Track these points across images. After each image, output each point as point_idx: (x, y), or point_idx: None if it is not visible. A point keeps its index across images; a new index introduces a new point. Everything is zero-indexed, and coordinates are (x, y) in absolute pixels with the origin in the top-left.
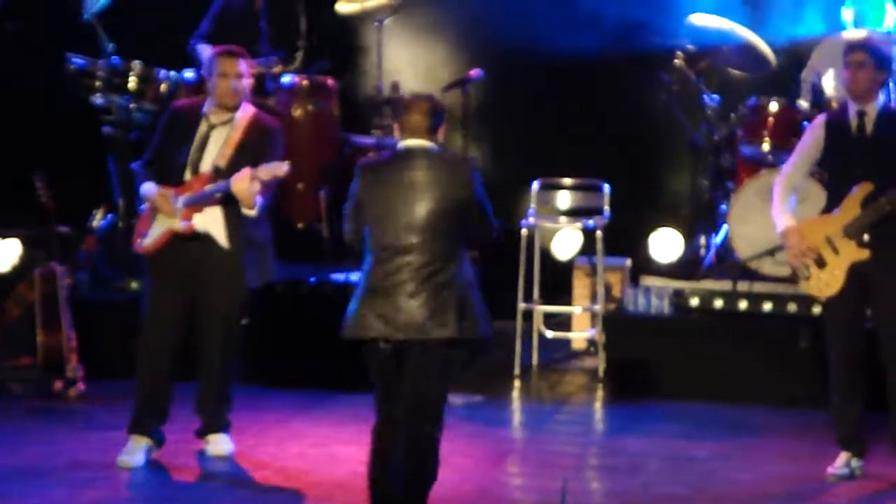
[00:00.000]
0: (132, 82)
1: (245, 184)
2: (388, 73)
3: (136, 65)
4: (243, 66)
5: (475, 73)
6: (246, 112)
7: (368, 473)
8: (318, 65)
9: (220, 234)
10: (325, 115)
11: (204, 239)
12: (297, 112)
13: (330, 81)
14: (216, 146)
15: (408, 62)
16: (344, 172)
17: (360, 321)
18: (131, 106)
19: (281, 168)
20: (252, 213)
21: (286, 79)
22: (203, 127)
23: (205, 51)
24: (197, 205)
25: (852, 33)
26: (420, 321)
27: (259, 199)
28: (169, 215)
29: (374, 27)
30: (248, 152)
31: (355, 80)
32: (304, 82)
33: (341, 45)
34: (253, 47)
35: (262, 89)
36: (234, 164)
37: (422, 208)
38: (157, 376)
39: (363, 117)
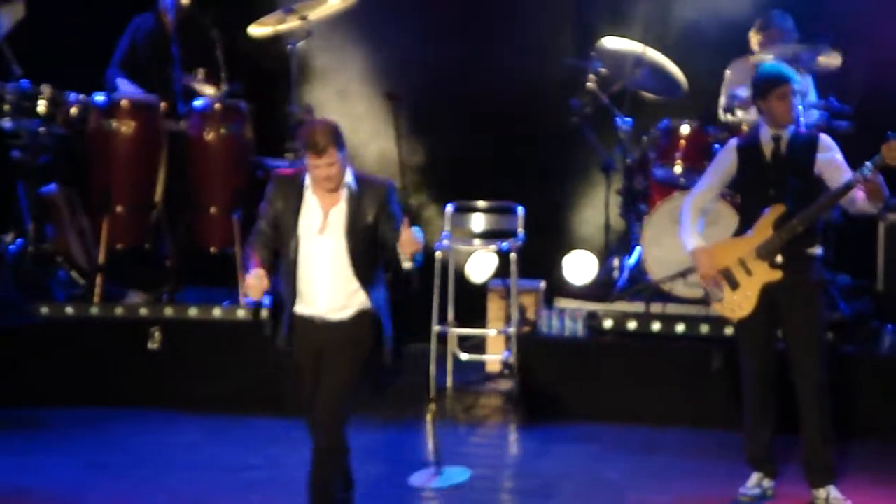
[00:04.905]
0: (42, 106)
1: None
2: (302, 96)
3: (46, 88)
4: None
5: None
6: None
7: None
8: (230, 88)
9: None
10: (238, 138)
11: None
12: (210, 135)
13: (243, 105)
14: None
15: (321, 85)
16: (257, 196)
17: None
18: (41, 130)
19: None
20: None
21: (198, 102)
22: None
23: (121, 82)
24: None
25: (761, 57)
26: None
27: None
28: None
29: (288, 50)
30: None
31: (268, 104)
32: (217, 105)
33: (254, 68)
34: (165, 72)
35: (175, 112)
36: None
37: None
38: None
39: (276, 140)
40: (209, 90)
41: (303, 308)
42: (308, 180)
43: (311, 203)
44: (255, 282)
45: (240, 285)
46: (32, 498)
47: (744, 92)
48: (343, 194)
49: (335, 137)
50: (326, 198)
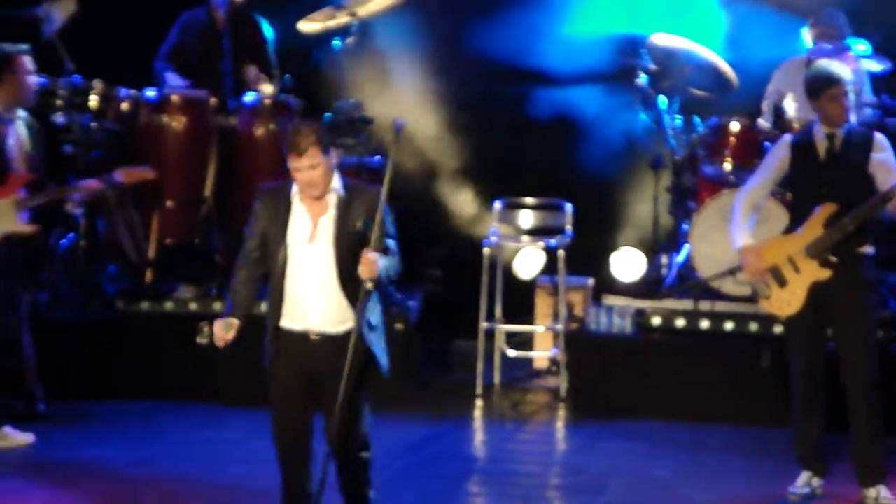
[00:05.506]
0: (93, 101)
1: None
2: (351, 92)
3: (97, 83)
4: None
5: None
6: None
7: None
8: (280, 83)
9: None
10: None
11: None
12: (260, 131)
13: (293, 100)
14: None
15: (370, 81)
16: None
17: None
18: (92, 125)
19: None
20: None
21: (248, 97)
22: None
23: (170, 76)
24: None
25: (814, 55)
26: None
27: None
28: None
29: (337, 46)
30: None
31: (318, 100)
32: (267, 101)
33: (304, 64)
34: (216, 65)
35: (225, 108)
36: None
37: None
38: None
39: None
40: (267, 87)
41: (292, 324)
42: (295, 189)
43: (299, 212)
44: (219, 331)
45: None
46: (81, 491)
47: (792, 111)
48: (331, 200)
49: (319, 139)
50: (314, 206)
